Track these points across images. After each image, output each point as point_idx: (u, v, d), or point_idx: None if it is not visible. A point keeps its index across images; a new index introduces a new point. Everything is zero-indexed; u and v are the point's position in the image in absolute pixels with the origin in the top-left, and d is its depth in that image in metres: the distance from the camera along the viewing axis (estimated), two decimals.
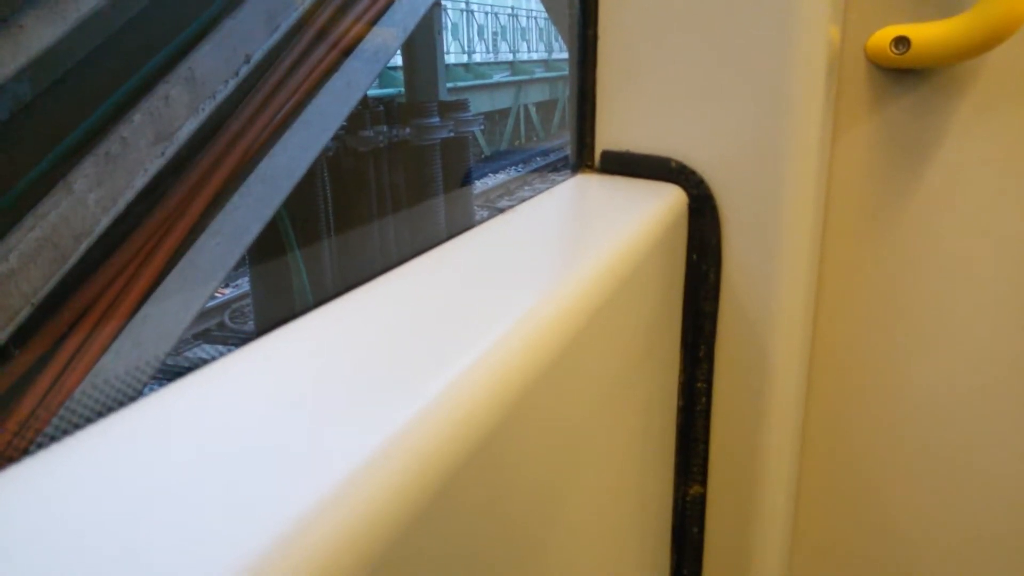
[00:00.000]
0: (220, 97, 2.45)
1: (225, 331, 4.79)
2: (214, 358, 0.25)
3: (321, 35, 2.96)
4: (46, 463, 0.19)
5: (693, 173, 0.52)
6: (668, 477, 0.56)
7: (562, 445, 0.32)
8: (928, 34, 0.54)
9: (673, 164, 0.53)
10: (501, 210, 0.48)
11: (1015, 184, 0.57)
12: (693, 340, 0.55)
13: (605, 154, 0.56)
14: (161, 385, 0.23)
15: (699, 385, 0.56)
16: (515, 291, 0.33)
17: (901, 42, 0.55)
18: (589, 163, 0.57)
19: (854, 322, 0.64)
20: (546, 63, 11.92)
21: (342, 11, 3.09)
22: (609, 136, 0.56)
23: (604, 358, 0.37)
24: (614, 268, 0.37)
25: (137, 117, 2.18)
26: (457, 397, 0.23)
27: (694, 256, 0.53)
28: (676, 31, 0.51)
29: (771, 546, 0.60)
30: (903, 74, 0.58)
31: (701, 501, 0.59)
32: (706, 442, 0.57)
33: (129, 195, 2.13)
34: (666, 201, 0.50)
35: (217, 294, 4.76)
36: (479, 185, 7.87)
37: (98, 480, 0.18)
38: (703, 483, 0.58)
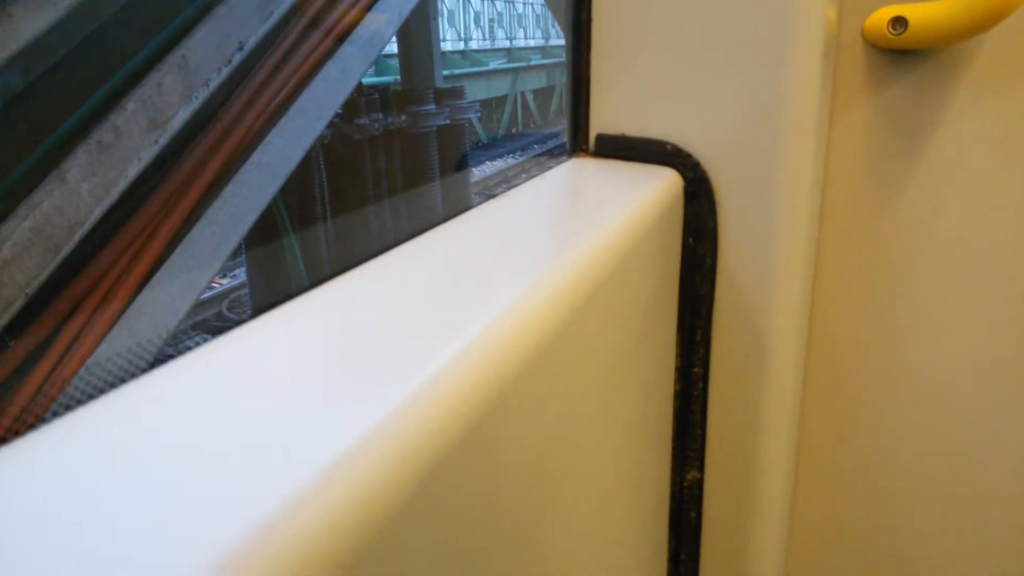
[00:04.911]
0: (214, 85, 2.43)
1: (223, 321, 4.78)
2: None
3: (315, 22, 2.94)
4: (24, 450, 0.19)
5: (689, 156, 0.52)
6: (665, 462, 0.56)
7: (557, 431, 0.32)
8: (925, 14, 0.53)
9: (668, 147, 0.53)
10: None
11: (1015, 164, 0.57)
12: (690, 324, 0.55)
13: (600, 137, 0.56)
14: None
15: (696, 370, 0.55)
16: (508, 275, 0.32)
17: (898, 22, 0.55)
18: (584, 147, 0.57)
19: (852, 305, 0.64)
20: (543, 50, 11.86)
21: None
22: (604, 119, 0.55)
23: (599, 343, 0.36)
24: (608, 252, 0.37)
25: (130, 105, 2.16)
26: (446, 383, 0.23)
27: (690, 240, 0.53)
28: (670, 13, 0.51)
29: (768, 530, 0.60)
30: (901, 55, 0.57)
31: (698, 486, 0.58)
32: (703, 427, 0.57)
33: (123, 184, 2.12)
34: (662, 184, 0.50)
35: (215, 284, 4.75)
36: (476, 172, 7.84)
37: (77, 468, 0.18)
38: (700, 468, 0.58)
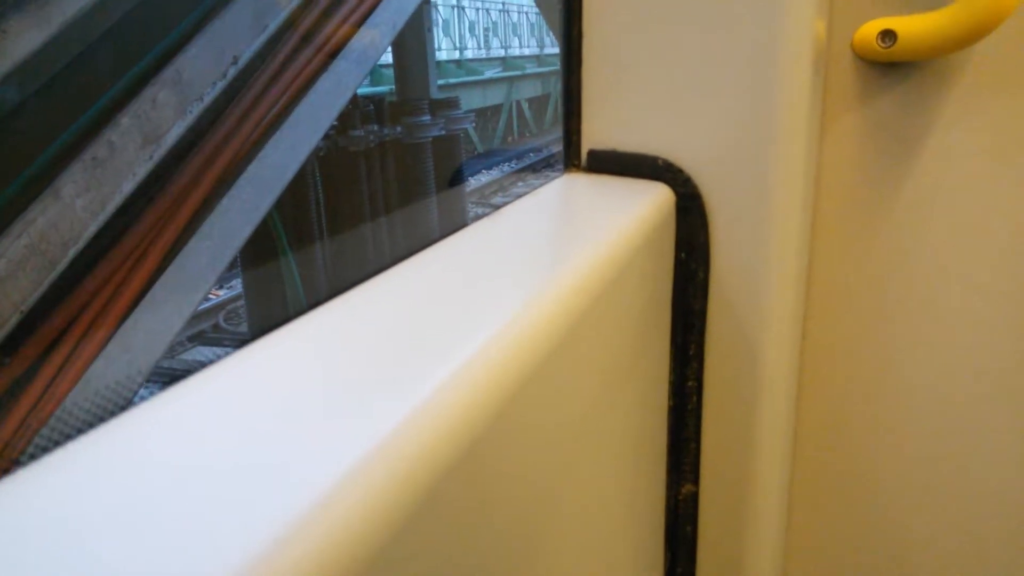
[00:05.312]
0: (208, 99, 2.43)
1: (220, 332, 4.78)
2: (209, 360, 0.25)
3: (309, 35, 2.95)
4: (38, 475, 0.19)
5: (680, 171, 0.52)
6: (660, 476, 0.56)
7: (553, 447, 0.32)
8: (914, 27, 0.53)
9: (660, 162, 0.53)
10: (495, 206, 0.48)
11: (1004, 175, 0.57)
12: (683, 339, 0.55)
13: (592, 153, 0.56)
14: (155, 389, 0.23)
15: (689, 384, 0.55)
16: (501, 293, 0.32)
17: (888, 35, 0.55)
18: (576, 162, 0.57)
19: (845, 318, 0.64)
20: (538, 58, 11.91)
21: (330, 10, 3.08)
22: (595, 135, 0.55)
23: (593, 359, 0.36)
24: (601, 268, 0.37)
25: (124, 121, 2.16)
26: (444, 401, 0.23)
27: (682, 254, 0.53)
28: (661, 28, 0.51)
29: (764, 544, 0.60)
30: (890, 67, 0.58)
31: (694, 500, 0.58)
32: (698, 441, 0.57)
33: (118, 200, 2.12)
34: (653, 199, 0.50)
35: (211, 296, 4.75)
36: (472, 182, 7.86)
37: (89, 492, 0.18)
38: (695, 482, 0.58)
